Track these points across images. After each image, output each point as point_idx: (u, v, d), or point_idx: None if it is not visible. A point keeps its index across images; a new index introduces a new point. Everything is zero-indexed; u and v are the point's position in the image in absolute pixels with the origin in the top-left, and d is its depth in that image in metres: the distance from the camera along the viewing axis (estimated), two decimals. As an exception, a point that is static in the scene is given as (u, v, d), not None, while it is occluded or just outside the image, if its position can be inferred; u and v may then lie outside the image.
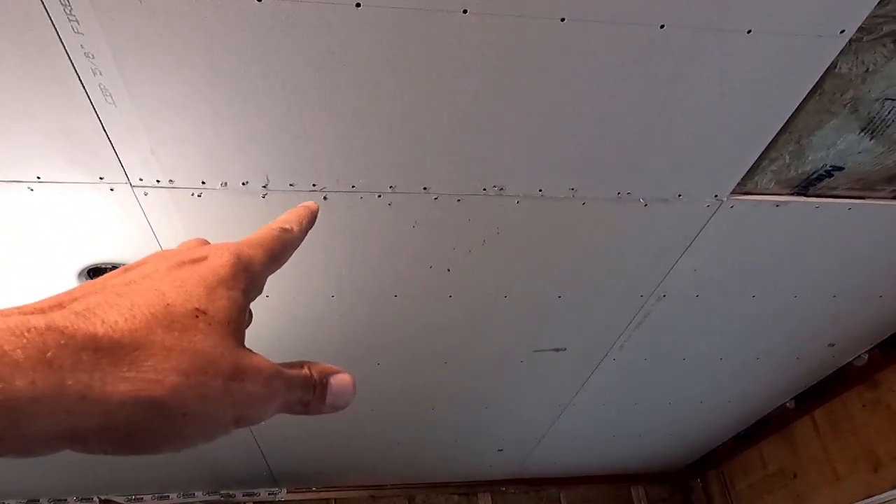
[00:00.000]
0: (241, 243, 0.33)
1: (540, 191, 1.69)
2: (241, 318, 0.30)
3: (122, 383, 0.24)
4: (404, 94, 1.39)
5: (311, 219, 0.39)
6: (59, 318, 0.24)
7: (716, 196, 1.78)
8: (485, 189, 1.67)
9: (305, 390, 0.32)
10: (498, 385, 2.84)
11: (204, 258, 0.30)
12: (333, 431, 3.22)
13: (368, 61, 1.31)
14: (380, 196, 1.66)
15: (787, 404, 3.29)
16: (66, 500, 3.84)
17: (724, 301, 2.31)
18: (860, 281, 2.24)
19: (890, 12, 1.31)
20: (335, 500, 4.06)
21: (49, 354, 0.23)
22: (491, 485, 4.23)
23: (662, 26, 1.28)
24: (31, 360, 0.23)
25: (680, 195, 1.76)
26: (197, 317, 0.28)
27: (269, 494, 4.02)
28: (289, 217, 0.38)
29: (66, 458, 3.22)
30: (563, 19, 1.25)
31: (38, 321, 0.24)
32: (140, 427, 0.26)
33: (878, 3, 1.28)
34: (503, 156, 1.57)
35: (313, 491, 4.06)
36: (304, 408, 0.32)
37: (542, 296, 2.18)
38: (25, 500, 3.75)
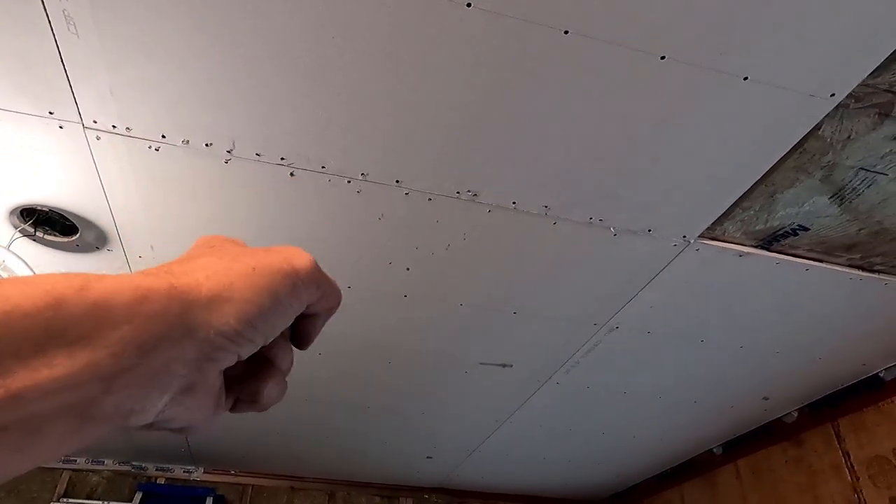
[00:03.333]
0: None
1: (513, 203, 1.66)
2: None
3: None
4: (393, 80, 1.33)
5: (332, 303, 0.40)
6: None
7: (684, 237, 1.78)
8: (458, 192, 1.63)
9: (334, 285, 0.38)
10: (438, 392, 2.79)
11: (289, 256, 0.36)
12: (261, 418, 3.10)
13: (363, 38, 1.24)
14: (349, 182, 1.59)
15: (715, 450, 3.36)
16: (-39, 450, 3.57)
17: (672, 341, 2.33)
18: (804, 340, 2.30)
19: (880, 84, 1.33)
20: (252, 486, 3.92)
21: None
22: (414, 490, 4.17)
23: (663, 58, 1.26)
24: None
25: (650, 230, 1.75)
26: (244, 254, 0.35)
27: (183, 472, 3.85)
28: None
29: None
30: (566, 31, 1.21)
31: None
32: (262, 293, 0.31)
33: (871, 74, 1.30)
34: (483, 161, 1.53)
35: (231, 474, 3.91)
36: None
37: (498, 309, 2.14)
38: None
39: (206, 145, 1.49)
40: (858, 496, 2.50)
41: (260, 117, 1.42)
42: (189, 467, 3.85)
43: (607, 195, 1.63)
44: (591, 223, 1.72)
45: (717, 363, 2.47)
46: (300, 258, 0.35)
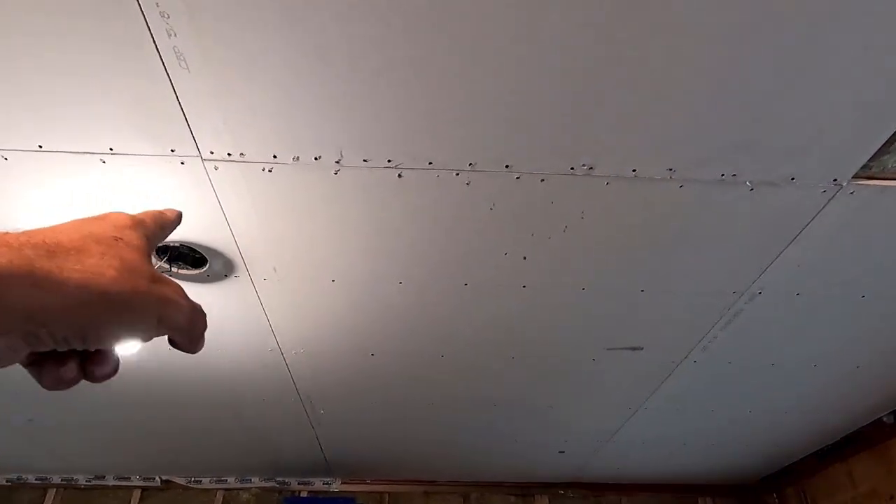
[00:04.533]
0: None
1: (633, 171, 1.54)
2: (147, 252, 0.38)
3: (75, 273, 0.31)
4: (492, 60, 1.27)
5: (173, 218, 0.46)
6: (21, 235, 0.32)
7: (835, 180, 1.57)
8: (572, 168, 1.53)
9: (204, 318, 0.39)
10: (566, 384, 2.68)
11: (105, 215, 0.38)
12: (391, 424, 3.15)
13: (456, 21, 1.19)
14: (457, 174, 1.55)
15: (885, 419, 2.99)
16: (129, 478, 3.92)
17: (827, 301, 2.08)
18: None
19: None
20: (388, 493, 4.00)
21: (20, 249, 0.30)
22: (549, 487, 4.08)
23: (799, -25, 1.10)
24: (9, 250, 0.30)
25: (793, 178, 1.56)
26: (117, 240, 0.36)
27: (323, 484, 4.00)
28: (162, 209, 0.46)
29: (131, 440, 3.26)
30: (682, -33, 1.09)
31: (9, 237, 0.31)
32: (91, 312, 0.32)
33: None
34: (598, 129, 1.42)
35: (367, 483, 4.01)
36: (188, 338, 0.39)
37: (624, 289, 2.01)
38: (92, 476, 3.85)
39: (315, 159, 1.50)
40: None
41: (363, 123, 1.41)
42: (328, 479, 4.00)
43: (740, 145, 1.47)
44: (722, 180, 1.56)
45: (882, 320, 2.18)
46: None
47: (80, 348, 0.33)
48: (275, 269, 1.91)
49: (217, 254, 1.84)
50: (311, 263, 1.89)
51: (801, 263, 1.89)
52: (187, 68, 1.27)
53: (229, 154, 1.48)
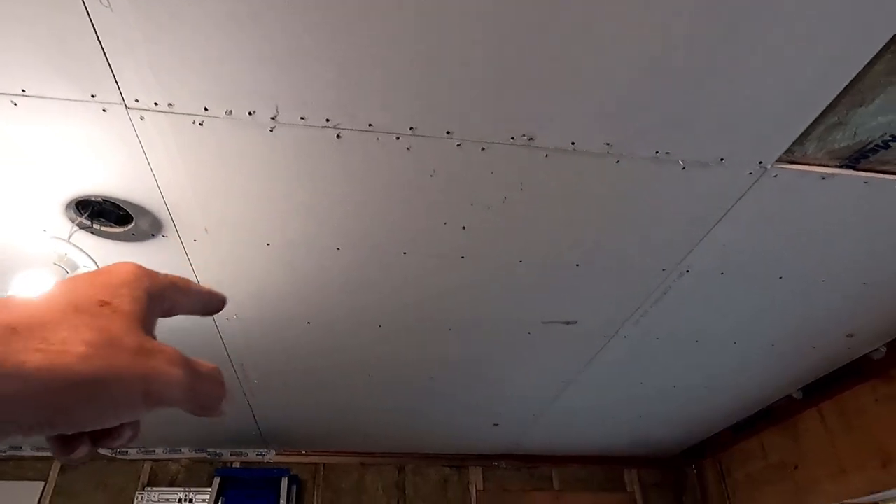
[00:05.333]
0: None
1: (572, 143, 1.55)
2: (145, 312, 0.33)
3: (35, 354, 0.27)
4: (434, 22, 1.24)
5: (215, 301, 0.40)
6: None
7: (760, 163, 1.64)
8: (513, 138, 1.53)
9: (213, 384, 0.35)
10: (502, 357, 2.73)
11: (109, 269, 0.34)
12: (327, 395, 3.12)
13: (400, -25, 1.16)
14: (398, 138, 1.52)
15: (794, 395, 3.20)
16: (48, 449, 3.75)
17: (748, 281, 2.19)
18: (893, 268, 2.12)
19: None
20: (324, 464, 3.99)
21: None
22: (483, 459, 4.17)
23: (735, -46, 1.13)
24: None
25: (722, 159, 1.62)
26: (102, 306, 0.31)
27: (257, 455, 3.94)
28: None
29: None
30: (625, -63, 1.10)
31: None
32: (56, 397, 0.27)
33: (979, -55, 1.13)
34: (535, 100, 1.43)
35: (302, 454, 3.98)
36: (203, 408, 0.34)
37: (560, 263, 2.05)
38: (7, 448, 3.65)
39: (250, 114, 1.44)
40: (965, 430, 2.33)
41: (301, 79, 1.36)
42: (262, 450, 3.94)
43: (674, 124, 1.51)
44: (657, 157, 1.60)
45: (796, 301, 2.32)
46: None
47: (55, 434, 0.30)
48: (206, 229, 1.84)
49: (143, 211, 1.75)
50: (244, 225, 1.83)
51: (727, 243, 1.97)
52: (109, 7, 1.19)
53: (156, 104, 1.40)
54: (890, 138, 1.58)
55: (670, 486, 4.31)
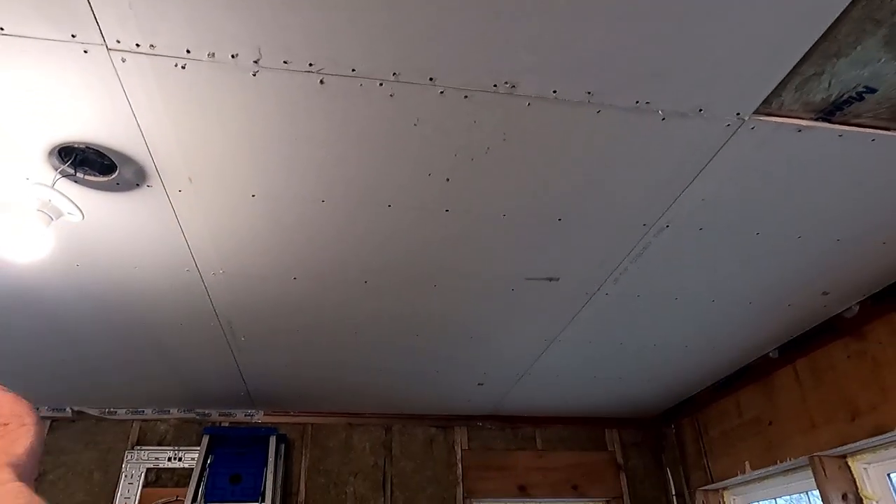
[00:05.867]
0: None
1: (554, 92, 1.57)
2: None
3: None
4: (418, -40, 1.24)
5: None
6: None
7: (738, 114, 1.67)
8: (495, 85, 1.55)
9: None
10: (486, 314, 2.78)
11: None
12: (315, 353, 3.17)
13: (381, -89, 1.16)
14: (381, 84, 1.53)
15: (771, 353, 3.30)
16: (38, 409, 3.77)
17: (726, 237, 2.24)
18: (867, 223, 2.18)
19: None
20: (312, 424, 4.06)
21: None
22: (468, 419, 4.26)
23: None
24: None
25: (701, 110, 1.65)
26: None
27: (245, 415, 4.00)
28: None
29: (38, 367, 3.12)
30: None
31: None
32: None
33: None
34: (517, 47, 1.44)
35: (290, 415, 4.04)
36: None
37: (543, 217, 2.08)
38: (-5, 407, 3.67)
39: (232, 56, 1.44)
40: (929, 381, 2.42)
41: (284, 20, 1.36)
42: (250, 411, 4.00)
43: (654, 73, 1.53)
44: (637, 107, 1.63)
45: (773, 258, 2.38)
46: None
47: None
48: (190, 179, 1.84)
49: (127, 159, 1.75)
50: (229, 175, 1.84)
51: (705, 197, 2.01)
52: (88, -61, 1.18)
53: (137, 45, 1.40)
54: (864, 89, 1.61)
55: (650, 446, 4.44)
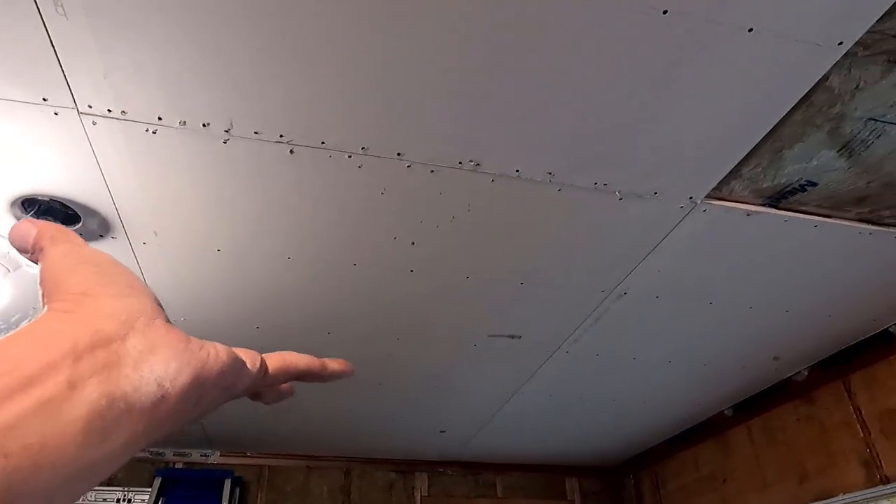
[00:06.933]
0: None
1: (517, 171, 1.64)
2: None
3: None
4: (387, 49, 1.30)
5: (344, 370, 0.44)
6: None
7: (690, 198, 1.76)
8: (460, 162, 1.60)
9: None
10: (449, 366, 2.80)
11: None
12: (275, 398, 3.12)
13: (352, 7, 1.22)
14: (350, 156, 1.57)
15: (726, 412, 3.38)
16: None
17: (681, 305, 2.32)
18: (813, 298, 2.29)
19: (888, 30, 1.29)
20: (269, 467, 3.98)
21: None
22: (430, 465, 4.23)
23: (665, 12, 1.23)
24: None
25: (656, 193, 1.73)
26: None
27: (201, 456, 3.91)
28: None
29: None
30: (565, -11, 1.18)
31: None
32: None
33: (879, 19, 1.26)
34: (483, 129, 1.50)
35: (247, 456, 3.96)
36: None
37: (505, 280, 2.13)
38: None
39: (204, 125, 1.47)
40: (871, 450, 2.52)
41: (256, 94, 1.40)
42: (206, 451, 3.91)
43: (612, 159, 1.61)
44: (596, 188, 1.70)
45: (726, 325, 2.47)
46: None
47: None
48: (156, 233, 1.85)
49: (92, 212, 1.75)
50: (195, 231, 1.85)
51: (661, 269, 2.09)
52: (65, 15, 1.20)
53: (109, 110, 1.42)
54: (806, 182, 1.72)
55: (609, 495, 4.46)
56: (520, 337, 2.55)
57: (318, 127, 1.49)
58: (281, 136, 1.51)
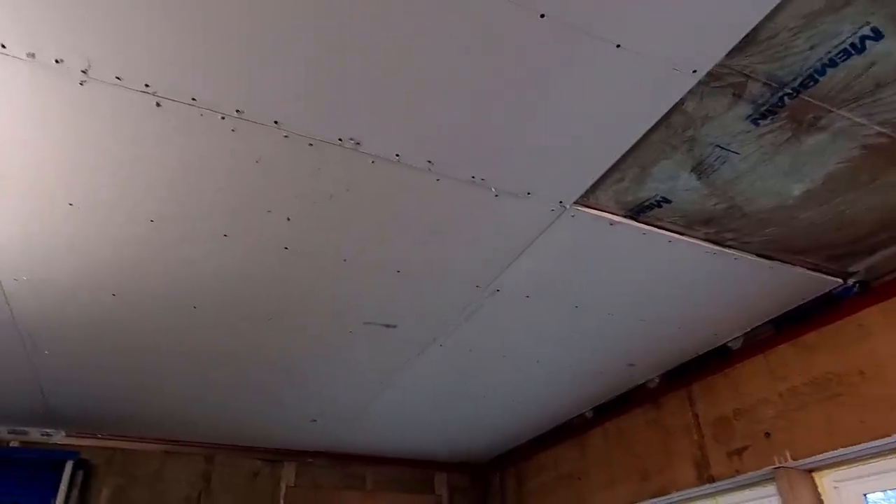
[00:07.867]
0: None
1: (397, 155, 1.64)
2: None
3: None
4: (266, 9, 1.26)
5: None
6: None
7: (561, 202, 1.85)
8: (340, 139, 1.59)
9: None
10: (322, 353, 2.76)
11: None
12: (131, 375, 2.92)
13: (233, -42, 1.17)
14: (224, 118, 1.51)
15: (587, 414, 3.59)
16: None
17: (550, 307, 2.44)
18: (665, 310, 2.49)
19: (734, 65, 1.43)
20: (121, 450, 3.71)
21: None
22: (299, 455, 4.14)
23: (543, 15, 1.28)
24: None
25: (529, 193, 1.80)
26: None
27: (41, 435, 3.57)
28: None
29: None
30: (449, -23, 1.20)
31: None
32: None
33: (727, 54, 1.40)
34: (362, 108, 1.49)
35: (97, 438, 3.67)
36: None
37: (382, 267, 2.13)
38: None
39: (57, 61, 1.34)
40: (702, 451, 2.78)
41: (119, 37, 1.30)
42: (48, 430, 3.57)
43: (490, 154, 1.66)
44: (473, 181, 1.75)
45: (588, 330, 2.62)
46: None
47: None
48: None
49: (-85, 144, 1.55)
50: (44, 179, 1.68)
51: (532, 270, 2.18)
52: None
53: (-59, 28, 1.26)
54: (662, 199, 1.86)
55: (477, 492, 4.58)
56: (395, 326, 2.56)
57: (188, 82, 1.41)
58: (146, 85, 1.41)
